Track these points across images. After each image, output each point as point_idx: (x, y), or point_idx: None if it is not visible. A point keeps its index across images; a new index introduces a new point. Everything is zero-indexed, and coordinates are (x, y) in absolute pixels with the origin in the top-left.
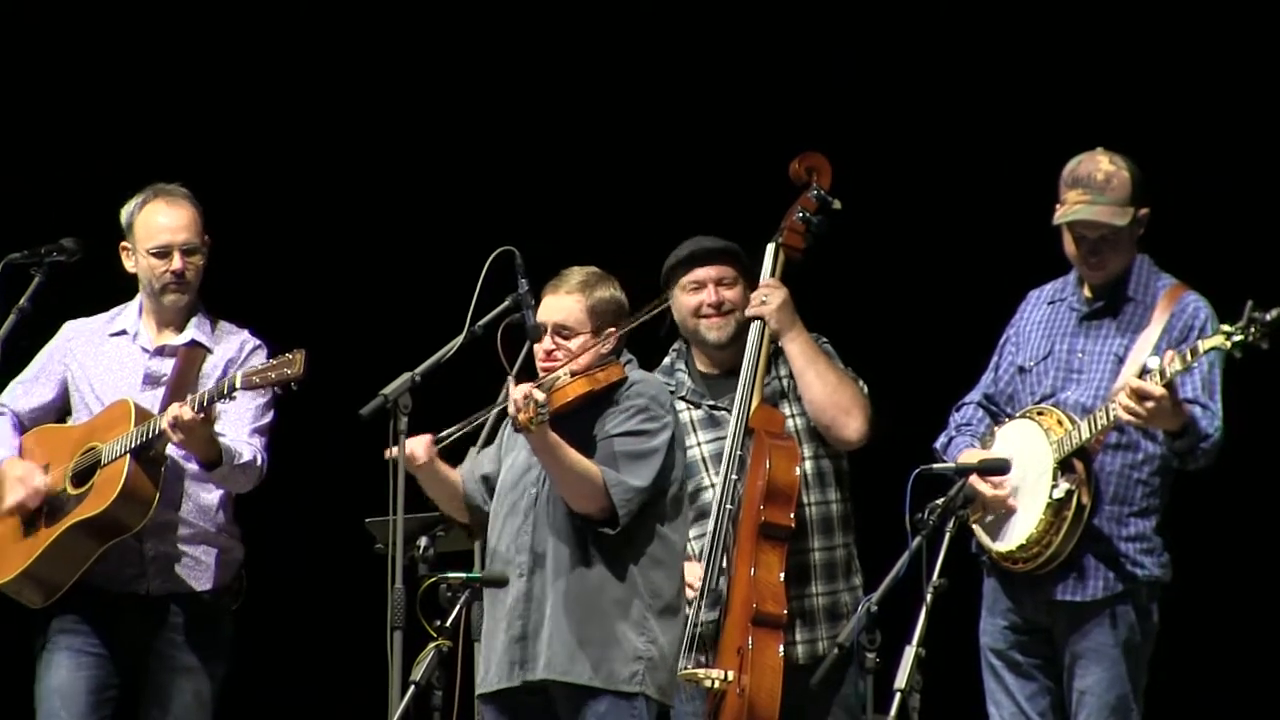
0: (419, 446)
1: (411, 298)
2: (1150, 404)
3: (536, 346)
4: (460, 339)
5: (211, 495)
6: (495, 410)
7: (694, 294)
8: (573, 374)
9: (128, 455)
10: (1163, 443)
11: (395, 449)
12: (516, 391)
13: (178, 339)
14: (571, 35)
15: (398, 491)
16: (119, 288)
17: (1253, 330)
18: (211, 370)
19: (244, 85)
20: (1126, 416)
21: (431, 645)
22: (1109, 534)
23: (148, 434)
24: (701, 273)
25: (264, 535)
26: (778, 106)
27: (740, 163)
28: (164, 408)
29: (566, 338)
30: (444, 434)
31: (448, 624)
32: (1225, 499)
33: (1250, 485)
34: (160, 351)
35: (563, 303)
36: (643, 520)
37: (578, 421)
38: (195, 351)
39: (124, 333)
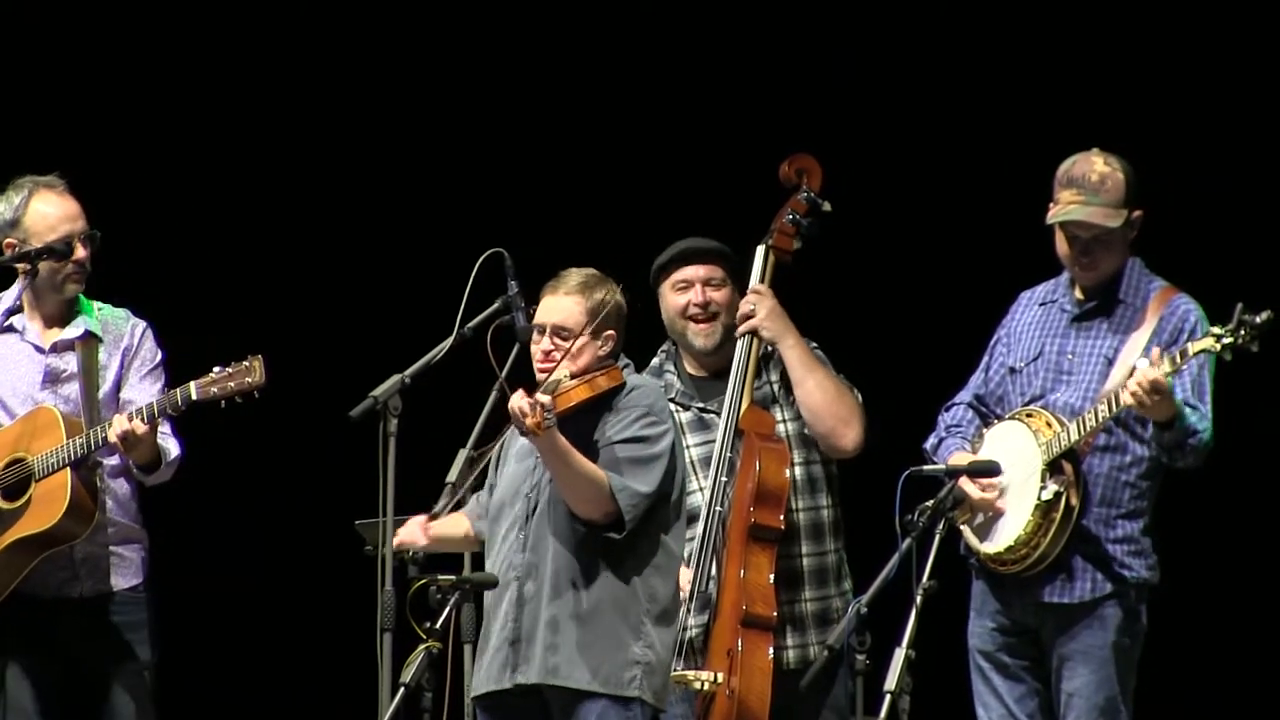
0: (415, 534)
1: (401, 300)
2: (1158, 397)
3: (535, 348)
4: (450, 341)
5: (123, 489)
6: (487, 412)
7: (681, 293)
8: (571, 376)
9: (68, 469)
10: (1151, 437)
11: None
12: (521, 398)
13: (69, 333)
14: (561, 38)
15: (387, 493)
16: None
17: (1243, 333)
18: (108, 360)
19: (236, 87)
20: (1132, 401)
21: (421, 647)
22: (1097, 536)
23: (88, 446)
24: (689, 272)
25: (255, 537)
26: (767, 109)
27: (730, 165)
28: (85, 406)
29: (565, 339)
30: (435, 510)
31: (437, 626)
32: (1213, 501)
33: (1239, 487)
34: (55, 347)
35: (562, 304)
36: (645, 527)
37: (578, 426)
38: (90, 343)
39: (11, 329)
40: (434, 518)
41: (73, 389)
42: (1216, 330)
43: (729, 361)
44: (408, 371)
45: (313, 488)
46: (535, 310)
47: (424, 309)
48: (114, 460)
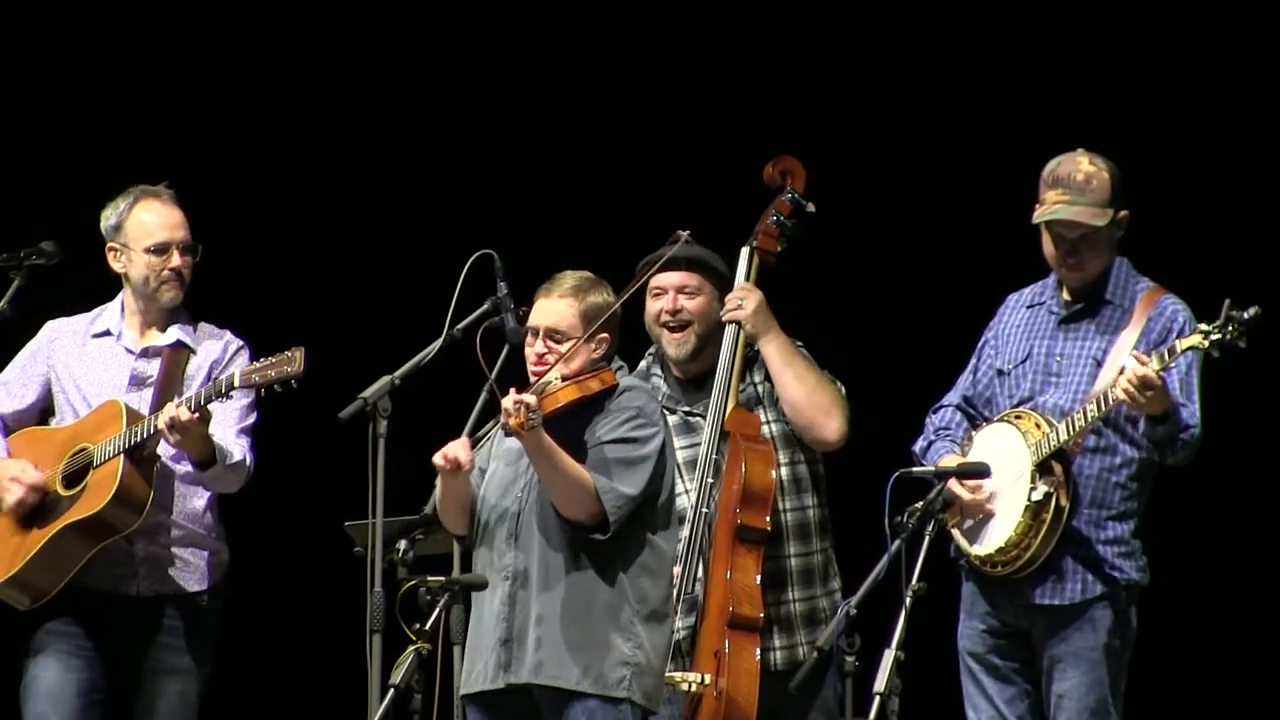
0: (462, 451)
1: (391, 301)
2: (1150, 393)
3: (528, 350)
4: (439, 342)
5: (200, 499)
6: (477, 413)
7: (656, 300)
8: (564, 378)
9: (122, 456)
10: (1144, 433)
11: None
12: (509, 398)
13: (162, 340)
14: (550, 40)
15: (376, 495)
16: (98, 290)
17: (1230, 329)
18: (195, 371)
19: (228, 88)
20: (1124, 397)
21: (411, 648)
22: (1087, 537)
23: (142, 434)
24: (664, 279)
25: (244, 538)
26: (752, 110)
27: (714, 167)
28: (153, 408)
29: (559, 342)
30: (478, 434)
31: (427, 627)
32: (1201, 500)
33: (1227, 486)
34: (146, 353)
35: (555, 306)
36: (633, 528)
37: (568, 427)
38: (180, 353)
39: (108, 333)
40: (476, 443)
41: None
42: (1204, 327)
43: (711, 367)
44: (397, 373)
45: (302, 489)
46: (525, 311)
47: (414, 310)
48: (187, 466)
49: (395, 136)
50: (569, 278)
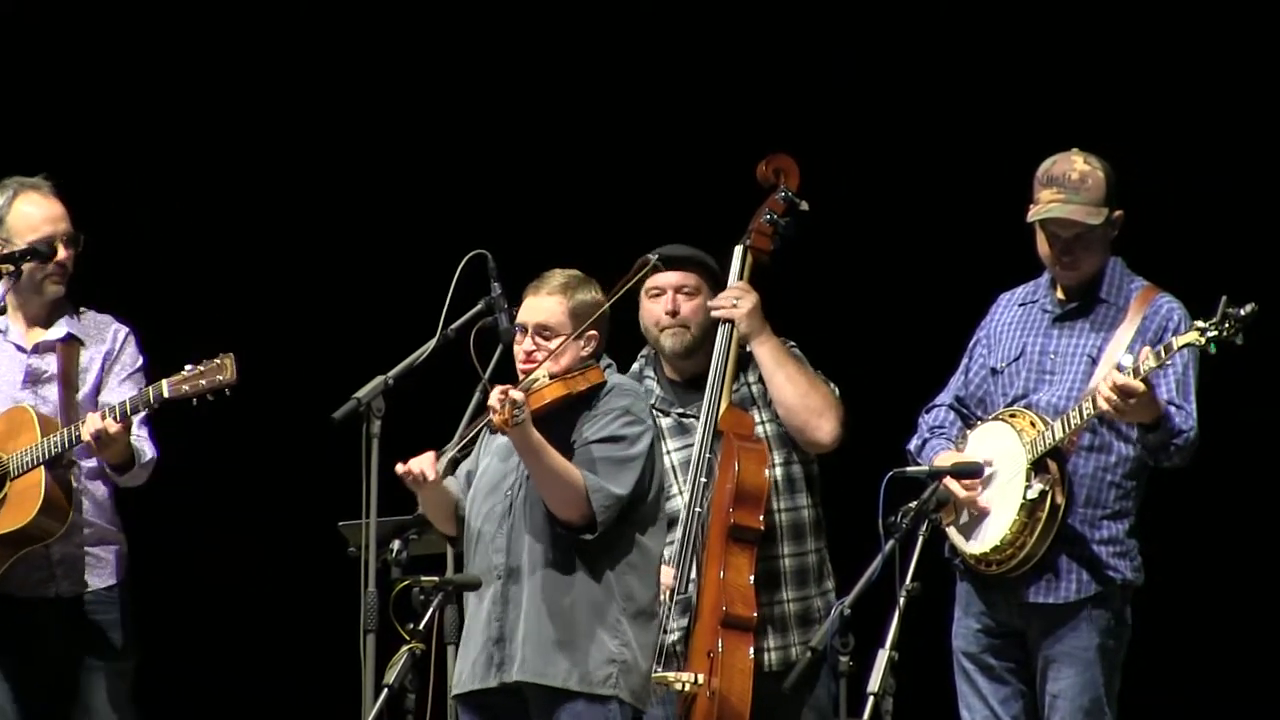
0: (427, 465)
1: (384, 301)
2: (1133, 400)
3: (517, 347)
4: (433, 342)
5: (102, 493)
6: (470, 413)
7: (654, 300)
8: (551, 376)
9: (42, 468)
10: (1136, 438)
11: (403, 465)
12: (495, 392)
13: (51, 334)
14: (542, 40)
15: (370, 495)
16: None
17: (1227, 325)
18: (89, 364)
19: (218, 90)
20: (1106, 406)
21: (404, 648)
22: (1082, 536)
23: (62, 445)
24: (662, 279)
25: (237, 538)
26: (745, 108)
27: (707, 165)
28: (63, 407)
29: (548, 339)
30: (445, 449)
31: (420, 627)
32: (1195, 500)
33: (1221, 486)
34: (38, 348)
35: (544, 304)
36: (621, 527)
37: (556, 425)
38: (72, 346)
39: None
40: (441, 456)
41: (53, 390)
42: (1201, 324)
43: (705, 368)
44: (391, 373)
45: (296, 489)
46: (518, 311)
47: (407, 311)
48: (91, 462)
49: (389, 136)
50: (557, 275)
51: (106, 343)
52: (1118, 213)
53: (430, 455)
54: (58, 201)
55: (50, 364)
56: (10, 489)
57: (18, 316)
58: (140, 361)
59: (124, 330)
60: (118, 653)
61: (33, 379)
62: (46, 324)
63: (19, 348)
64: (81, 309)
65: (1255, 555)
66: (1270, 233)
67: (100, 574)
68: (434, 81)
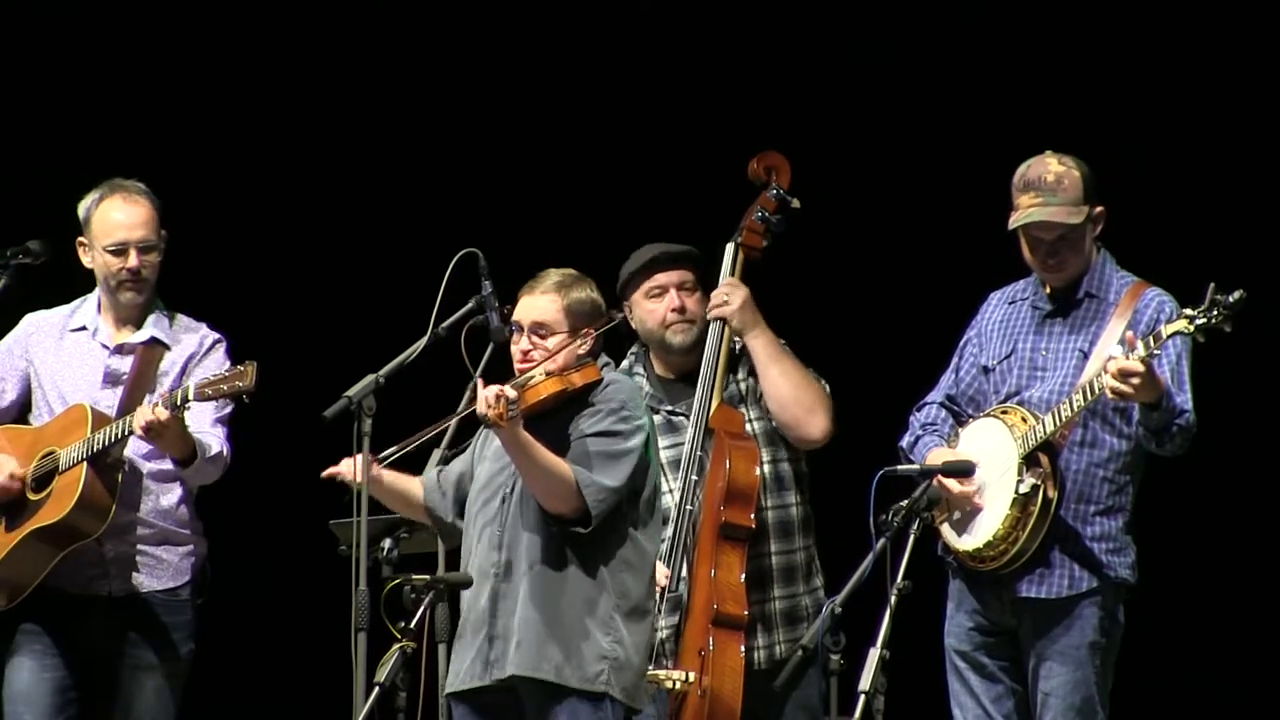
0: (350, 467)
1: (375, 300)
2: (1135, 380)
3: (514, 346)
4: (424, 341)
5: (172, 495)
6: (462, 412)
7: (657, 300)
8: (547, 373)
9: (84, 463)
10: (1139, 422)
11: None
12: (488, 390)
13: (136, 336)
14: (532, 39)
15: (361, 494)
16: (83, 286)
17: (1215, 313)
18: (170, 367)
19: (214, 86)
20: (1111, 395)
21: (396, 647)
22: (1075, 532)
23: (106, 440)
24: (663, 278)
25: (229, 537)
26: (736, 106)
27: (698, 163)
28: (122, 407)
29: (544, 337)
30: (384, 454)
31: (411, 625)
32: (1189, 497)
33: (1212, 484)
34: (120, 349)
35: (539, 302)
36: (615, 523)
37: (553, 422)
38: (154, 349)
39: (83, 329)
40: (382, 460)
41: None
42: (1189, 311)
43: (698, 364)
44: (382, 371)
45: (287, 488)
46: (510, 310)
47: (398, 309)
48: (163, 464)
49: (380, 134)
50: (553, 274)
51: (192, 347)
52: (1098, 209)
53: (357, 458)
54: (140, 206)
55: (127, 365)
56: (56, 484)
57: (109, 318)
58: (226, 369)
59: (214, 336)
60: (169, 657)
61: (112, 379)
62: (138, 325)
63: (104, 346)
64: (177, 314)
65: (1249, 551)
66: (1259, 223)
67: (159, 575)
68: (425, 80)
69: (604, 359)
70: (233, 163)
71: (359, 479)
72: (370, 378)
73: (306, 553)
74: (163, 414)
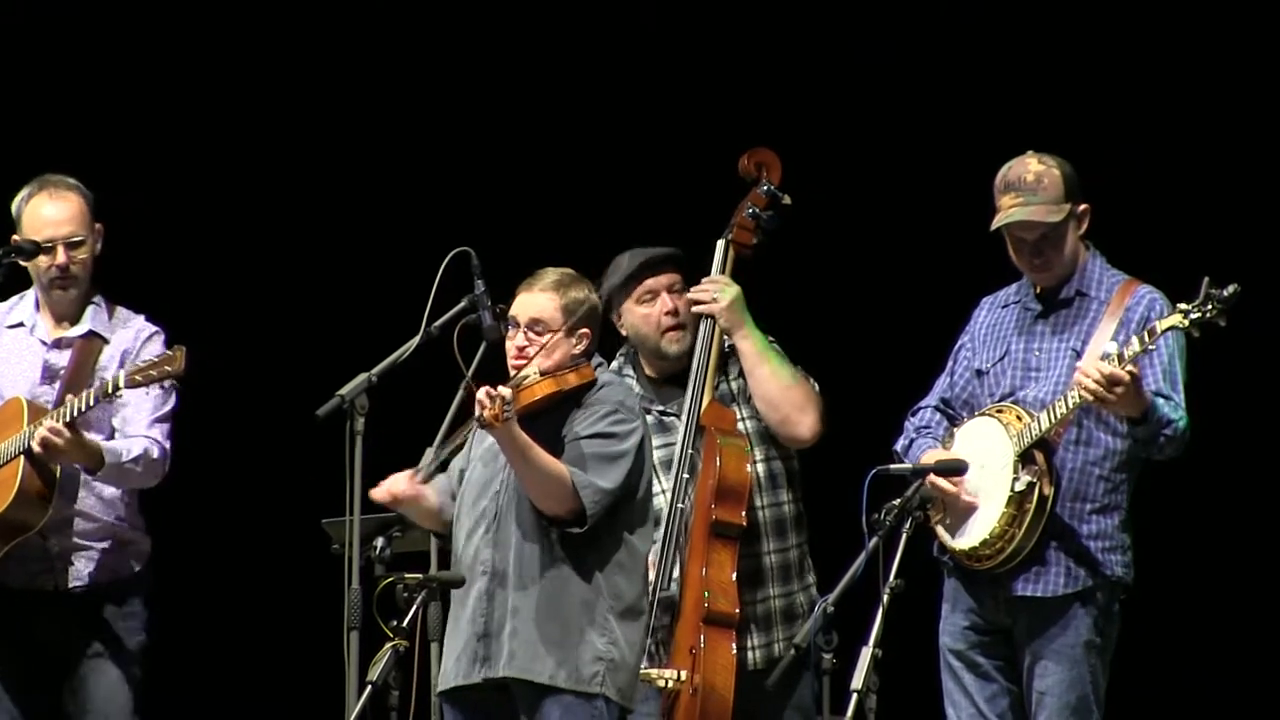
0: (402, 483)
1: (368, 299)
2: (1119, 389)
3: (509, 343)
4: (417, 340)
5: (111, 491)
6: (454, 410)
7: (649, 305)
8: (542, 373)
9: (21, 457)
10: (1126, 433)
11: (379, 491)
12: (482, 390)
13: (74, 330)
14: (524, 37)
15: (353, 492)
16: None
17: (1209, 307)
18: (109, 361)
19: (210, 85)
20: (1089, 396)
21: (388, 645)
22: (1071, 531)
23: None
24: (653, 282)
25: (223, 536)
26: (727, 103)
27: (689, 160)
28: (60, 401)
29: (540, 334)
30: (420, 468)
31: (404, 624)
32: (1186, 495)
33: (1215, 486)
34: (58, 344)
35: (536, 300)
36: (610, 524)
37: (547, 422)
38: (91, 343)
39: (21, 325)
40: (418, 474)
41: None
42: (1184, 306)
43: (687, 364)
44: (374, 370)
45: (279, 486)
46: (503, 309)
47: (391, 308)
48: None
49: (372, 133)
50: (551, 272)
51: (128, 341)
52: (1082, 206)
53: (404, 474)
54: (68, 202)
55: (65, 360)
56: None
57: (46, 314)
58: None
59: (150, 329)
60: (121, 649)
61: (50, 374)
62: (76, 320)
63: (42, 342)
64: (117, 307)
65: (1244, 549)
66: (1251, 220)
67: (106, 569)
68: (417, 79)
69: (598, 359)
70: (228, 162)
71: (408, 492)
72: (363, 376)
73: (299, 551)
74: (57, 434)
